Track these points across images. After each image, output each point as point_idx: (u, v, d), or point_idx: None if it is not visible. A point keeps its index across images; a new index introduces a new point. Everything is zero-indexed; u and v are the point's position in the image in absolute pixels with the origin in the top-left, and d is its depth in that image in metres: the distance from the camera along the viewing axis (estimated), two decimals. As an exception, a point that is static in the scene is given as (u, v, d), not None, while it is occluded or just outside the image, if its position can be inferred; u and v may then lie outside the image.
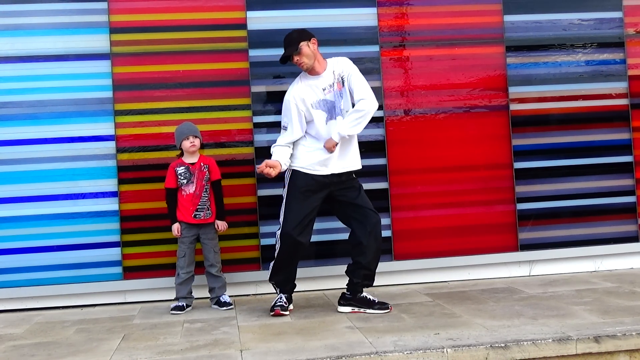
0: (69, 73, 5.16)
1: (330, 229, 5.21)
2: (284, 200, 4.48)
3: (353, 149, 4.53)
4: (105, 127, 5.17)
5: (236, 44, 5.25)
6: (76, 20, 5.18)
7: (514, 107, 5.56)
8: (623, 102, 5.68)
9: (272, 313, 4.46)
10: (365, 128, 5.30)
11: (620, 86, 5.69)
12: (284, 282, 4.58)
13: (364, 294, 4.50)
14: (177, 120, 5.09)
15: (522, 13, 5.58)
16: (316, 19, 5.37)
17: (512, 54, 5.56)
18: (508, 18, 5.56)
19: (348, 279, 4.54)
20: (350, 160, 4.50)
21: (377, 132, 5.40)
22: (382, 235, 4.47)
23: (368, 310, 4.43)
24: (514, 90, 5.56)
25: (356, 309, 4.46)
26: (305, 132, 4.48)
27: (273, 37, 5.13)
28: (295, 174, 4.46)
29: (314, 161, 4.43)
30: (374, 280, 4.54)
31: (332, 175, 4.45)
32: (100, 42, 5.18)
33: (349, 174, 4.51)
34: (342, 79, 4.45)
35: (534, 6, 5.60)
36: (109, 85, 5.17)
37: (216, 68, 5.17)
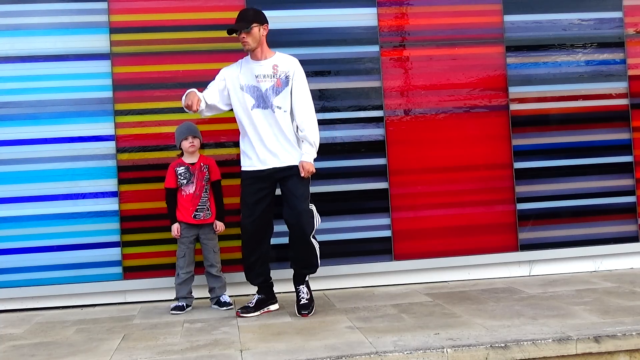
0: (69, 73, 5.15)
1: (330, 229, 5.20)
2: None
3: (289, 147, 4.47)
4: (105, 127, 5.17)
5: (236, 44, 5.24)
6: (76, 20, 5.18)
7: (514, 107, 5.55)
8: (623, 102, 5.68)
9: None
10: (365, 128, 5.35)
11: (620, 86, 5.69)
12: (253, 276, 4.62)
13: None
14: (177, 120, 5.09)
15: (522, 13, 5.58)
16: (316, 19, 5.37)
17: (512, 54, 5.56)
18: (508, 18, 5.56)
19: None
20: (286, 157, 4.46)
21: (377, 132, 5.40)
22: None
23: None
24: (514, 90, 5.56)
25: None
26: (241, 126, 4.54)
27: (273, 37, 5.11)
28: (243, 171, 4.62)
29: (251, 158, 4.53)
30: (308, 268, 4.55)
31: (270, 169, 4.48)
32: (100, 42, 5.19)
33: (286, 168, 4.48)
34: (287, 79, 4.46)
35: (534, 6, 5.60)
36: (109, 85, 5.17)
37: (216, 68, 5.13)
